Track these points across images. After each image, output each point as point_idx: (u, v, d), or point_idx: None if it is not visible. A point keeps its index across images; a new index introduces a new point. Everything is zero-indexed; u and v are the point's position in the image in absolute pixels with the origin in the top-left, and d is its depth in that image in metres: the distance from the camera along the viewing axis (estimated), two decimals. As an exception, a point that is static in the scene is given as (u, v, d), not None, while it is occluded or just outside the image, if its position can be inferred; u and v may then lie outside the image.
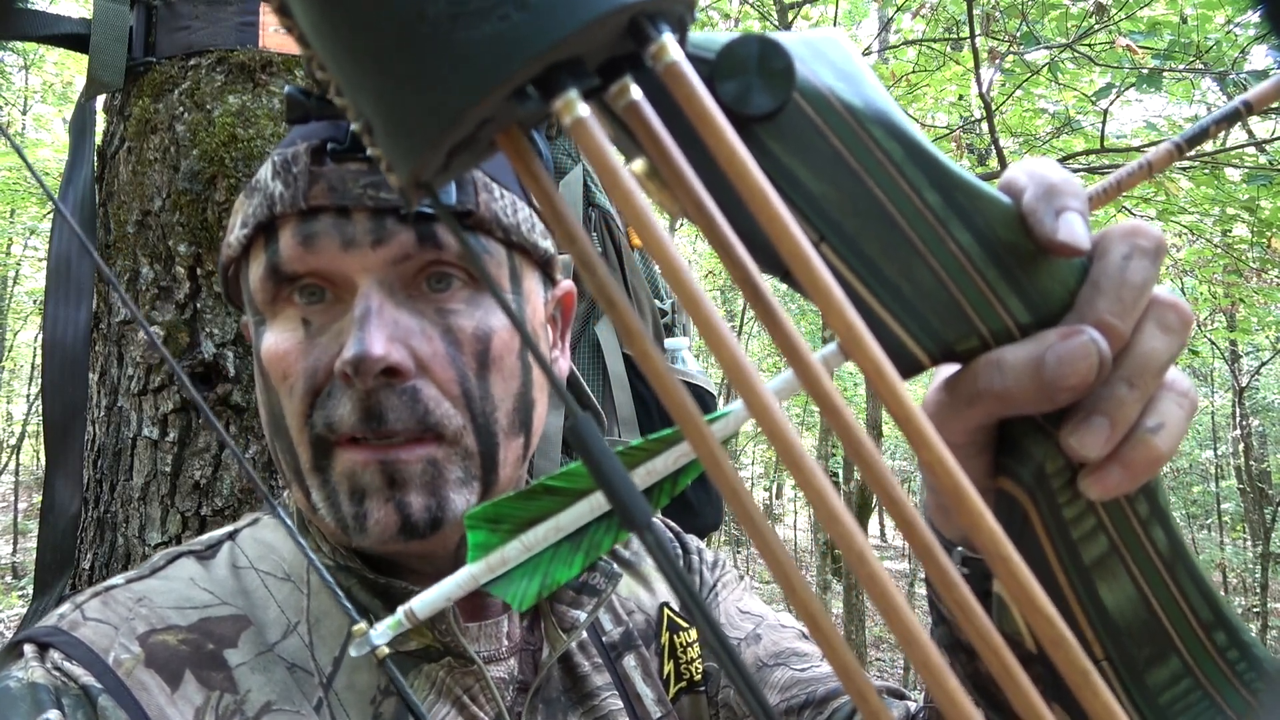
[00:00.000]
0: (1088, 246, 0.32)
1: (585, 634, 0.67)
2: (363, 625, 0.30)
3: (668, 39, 0.19)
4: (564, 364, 0.69)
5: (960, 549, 0.42)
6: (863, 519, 5.12)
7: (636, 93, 0.20)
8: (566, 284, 0.67)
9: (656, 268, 1.30)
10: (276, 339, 0.56)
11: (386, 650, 0.30)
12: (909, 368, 0.32)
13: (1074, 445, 0.32)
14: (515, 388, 0.58)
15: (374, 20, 0.18)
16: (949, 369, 0.35)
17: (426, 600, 0.31)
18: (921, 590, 7.74)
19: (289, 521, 0.35)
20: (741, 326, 6.80)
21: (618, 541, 0.32)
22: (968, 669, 0.44)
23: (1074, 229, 0.32)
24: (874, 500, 4.95)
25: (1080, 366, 0.31)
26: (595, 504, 0.31)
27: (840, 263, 0.32)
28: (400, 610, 0.31)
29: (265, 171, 0.57)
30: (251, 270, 0.58)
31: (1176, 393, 0.33)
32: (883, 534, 12.76)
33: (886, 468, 0.19)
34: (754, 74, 0.30)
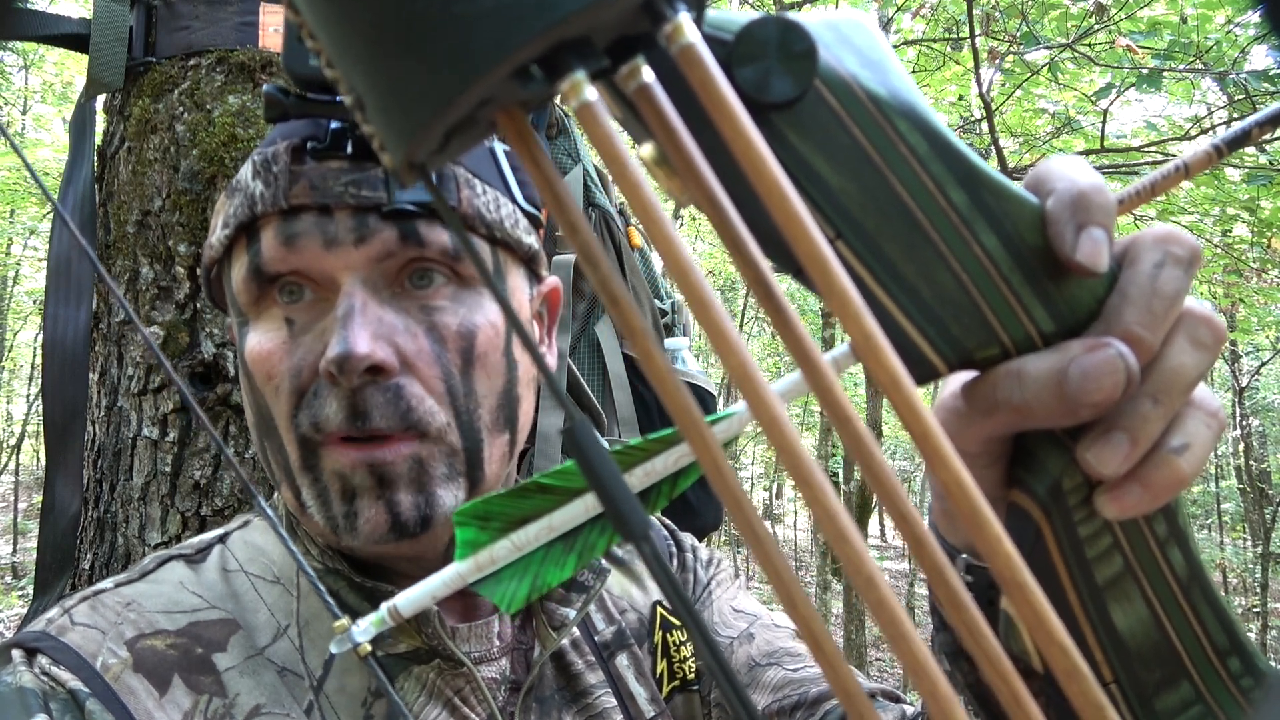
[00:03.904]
0: (1105, 269, 0.31)
1: (578, 632, 0.66)
2: (344, 621, 0.29)
3: (684, 19, 0.17)
4: (550, 360, 0.68)
5: (965, 556, 0.41)
6: (862, 518, 5.11)
7: (648, 74, 0.18)
8: (552, 280, 0.67)
9: (657, 268, 1.30)
10: (260, 339, 0.56)
11: (369, 648, 0.29)
12: (924, 375, 0.31)
13: (1091, 462, 0.31)
14: (500, 384, 0.58)
15: None
16: (963, 374, 0.34)
17: (411, 598, 0.30)
18: (921, 590, 7.74)
19: (277, 522, 0.35)
20: (741, 325, 6.80)
21: (612, 545, 0.31)
22: (969, 678, 0.43)
23: (1093, 249, 0.30)
24: (874, 500, 4.95)
25: (1105, 382, 0.29)
26: (590, 504, 0.30)
27: (856, 261, 0.30)
28: (384, 607, 0.29)
29: (246, 171, 0.56)
30: (234, 271, 0.57)
31: (1205, 412, 0.32)
32: (882, 534, 12.75)
33: (899, 483, 0.18)
34: (774, 58, 0.28)
